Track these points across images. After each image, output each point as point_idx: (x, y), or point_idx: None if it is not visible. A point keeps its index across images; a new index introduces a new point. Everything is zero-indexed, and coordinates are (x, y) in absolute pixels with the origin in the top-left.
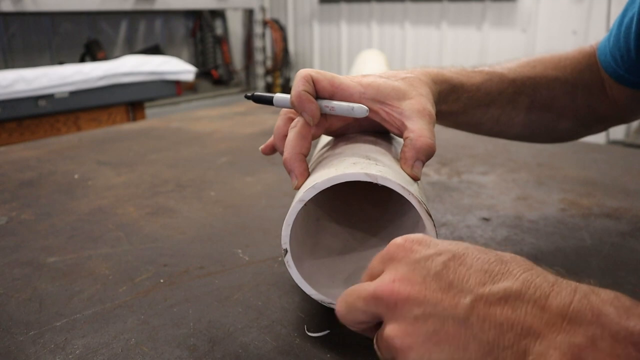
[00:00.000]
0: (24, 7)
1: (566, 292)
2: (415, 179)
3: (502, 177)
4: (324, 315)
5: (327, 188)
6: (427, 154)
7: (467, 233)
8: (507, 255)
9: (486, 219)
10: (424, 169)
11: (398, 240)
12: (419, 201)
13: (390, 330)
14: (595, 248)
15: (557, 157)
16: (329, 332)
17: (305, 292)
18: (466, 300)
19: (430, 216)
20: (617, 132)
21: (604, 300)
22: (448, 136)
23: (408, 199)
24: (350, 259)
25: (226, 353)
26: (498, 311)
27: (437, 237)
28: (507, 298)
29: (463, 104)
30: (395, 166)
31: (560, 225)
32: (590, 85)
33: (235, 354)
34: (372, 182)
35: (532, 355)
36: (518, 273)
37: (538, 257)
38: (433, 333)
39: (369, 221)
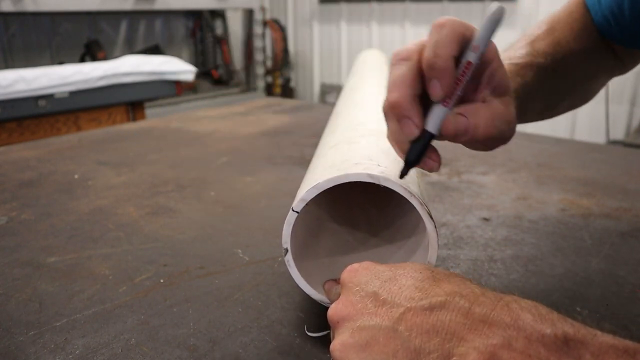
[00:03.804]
0: (24, 7)
1: (489, 301)
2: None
3: (502, 177)
4: (324, 315)
5: (329, 188)
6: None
7: (467, 233)
8: (443, 273)
9: (486, 219)
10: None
11: (350, 266)
12: (420, 202)
13: (333, 344)
14: (595, 248)
15: (557, 157)
16: (328, 332)
17: (305, 292)
18: (396, 312)
19: (431, 217)
20: (617, 132)
21: (523, 307)
22: None
23: (409, 200)
24: (351, 259)
25: (226, 353)
26: (424, 320)
27: (438, 238)
28: (432, 308)
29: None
30: (397, 167)
31: (560, 225)
32: (593, 46)
33: (235, 354)
34: (374, 183)
35: (455, 356)
36: (447, 287)
37: (538, 257)
38: (366, 343)
39: (369, 221)
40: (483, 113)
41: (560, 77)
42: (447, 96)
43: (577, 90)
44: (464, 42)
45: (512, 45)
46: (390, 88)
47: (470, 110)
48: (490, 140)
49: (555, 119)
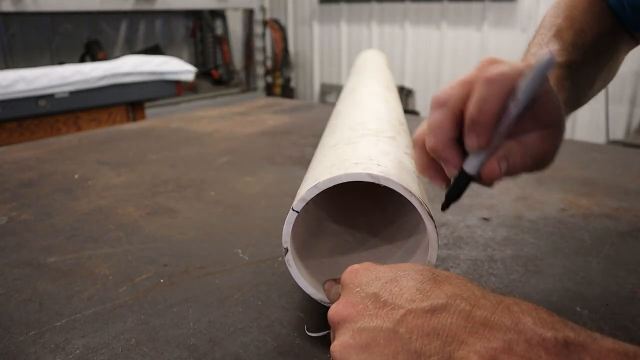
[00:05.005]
0: (24, 7)
1: (490, 304)
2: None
3: None
4: (324, 315)
5: (329, 188)
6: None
7: (467, 233)
8: (443, 274)
9: (486, 219)
10: None
11: (350, 267)
12: (420, 202)
13: (333, 345)
14: (595, 248)
15: (557, 157)
16: (328, 332)
17: (305, 292)
18: (397, 314)
19: (431, 217)
20: (617, 132)
21: (524, 310)
22: None
23: (410, 200)
24: (351, 259)
25: (226, 353)
26: (425, 322)
27: (437, 238)
28: (433, 311)
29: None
30: (397, 167)
31: (560, 225)
32: (612, 28)
33: (235, 354)
34: (374, 183)
35: (455, 359)
36: (447, 289)
37: (538, 257)
38: (366, 345)
39: (369, 221)
40: (517, 151)
41: (589, 65)
42: (483, 147)
43: (603, 73)
44: (511, 94)
45: (534, 40)
46: (429, 133)
47: (506, 152)
48: (525, 172)
49: None
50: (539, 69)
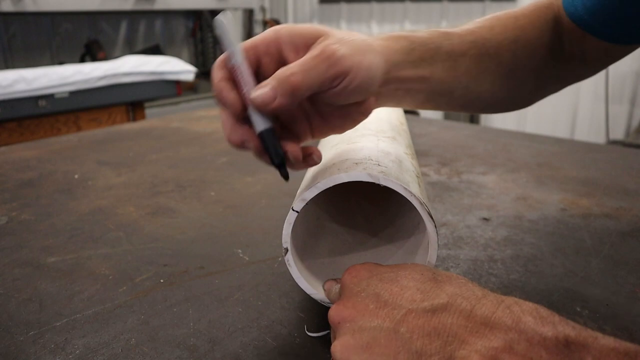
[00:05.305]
0: (24, 7)
1: (491, 303)
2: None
3: (502, 177)
4: (324, 315)
5: (329, 188)
6: (280, 81)
7: (467, 233)
8: (444, 274)
9: (486, 219)
10: (424, 169)
11: (351, 267)
12: (420, 202)
13: (334, 345)
14: (595, 248)
15: (557, 157)
16: (328, 332)
17: (305, 292)
18: (398, 314)
19: (431, 217)
20: (617, 132)
21: (524, 310)
22: (448, 136)
23: (410, 200)
24: (351, 259)
25: (226, 353)
26: (426, 322)
27: (438, 238)
28: (434, 310)
29: (429, 67)
30: (397, 167)
31: (560, 225)
32: (551, 44)
33: (235, 354)
34: (374, 183)
35: (456, 359)
36: (448, 289)
37: (538, 257)
38: (367, 344)
39: (369, 221)
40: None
41: (489, 57)
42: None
43: (520, 86)
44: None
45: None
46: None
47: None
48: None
49: (556, 119)
50: (217, 31)
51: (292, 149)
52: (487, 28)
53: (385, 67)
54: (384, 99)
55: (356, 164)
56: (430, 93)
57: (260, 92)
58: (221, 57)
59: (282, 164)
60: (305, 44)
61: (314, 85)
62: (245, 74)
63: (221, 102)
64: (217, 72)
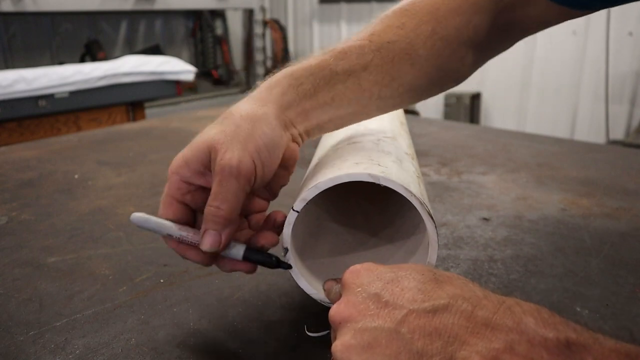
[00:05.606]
0: (24, 7)
1: (492, 304)
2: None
3: (502, 177)
4: (324, 315)
5: (329, 188)
6: (214, 221)
7: (467, 233)
8: (445, 275)
9: (486, 219)
10: (424, 169)
11: (352, 267)
12: (420, 202)
13: (335, 345)
14: (595, 248)
15: (557, 157)
16: (328, 332)
17: (305, 292)
18: (399, 314)
19: (431, 217)
20: (617, 132)
21: (526, 311)
22: (448, 136)
23: (410, 200)
24: (351, 259)
25: (226, 353)
26: (427, 323)
27: (438, 238)
28: (435, 311)
29: (329, 93)
30: (398, 167)
31: (560, 225)
32: (482, 24)
33: (235, 353)
34: (374, 183)
35: None
36: (449, 290)
37: (538, 257)
38: (368, 345)
39: (369, 221)
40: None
41: (400, 61)
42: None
43: (445, 81)
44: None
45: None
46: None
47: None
48: None
49: (555, 119)
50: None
51: (267, 240)
52: (394, 28)
53: (279, 116)
54: (306, 136)
55: (356, 163)
56: (348, 114)
57: (206, 241)
58: (164, 238)
59: (279, 263)
60: (203, 165)
61: (241, 199)
62: (188, 236)
63: (193, 261)
64: (172, 245)
